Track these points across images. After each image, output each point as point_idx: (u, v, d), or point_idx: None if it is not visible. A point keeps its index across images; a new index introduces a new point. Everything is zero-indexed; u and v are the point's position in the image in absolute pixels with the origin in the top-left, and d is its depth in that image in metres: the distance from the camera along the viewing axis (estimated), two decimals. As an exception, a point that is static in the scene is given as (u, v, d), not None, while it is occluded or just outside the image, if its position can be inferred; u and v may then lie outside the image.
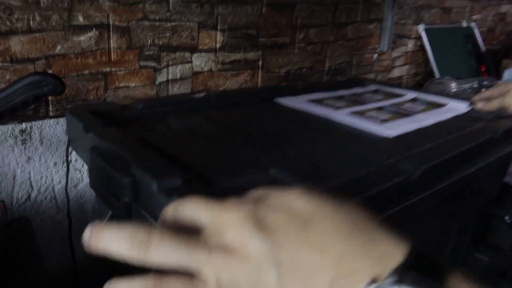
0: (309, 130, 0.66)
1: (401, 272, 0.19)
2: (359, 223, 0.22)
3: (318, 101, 0.81)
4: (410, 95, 0.93)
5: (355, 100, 0.85)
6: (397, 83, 1.42)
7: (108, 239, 0.22)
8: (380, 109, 0.80)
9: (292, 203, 0.23)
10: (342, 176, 0.45)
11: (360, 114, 0.74)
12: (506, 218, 0.97)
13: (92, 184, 0.48)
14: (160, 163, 0.41)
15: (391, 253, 0.21)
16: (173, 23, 0.82)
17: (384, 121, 0.70)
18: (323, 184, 0.43)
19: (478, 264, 0.96)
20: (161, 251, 0.22)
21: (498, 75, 1.78)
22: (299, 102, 0.79)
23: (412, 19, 1.38)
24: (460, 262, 0.90)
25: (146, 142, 0.51)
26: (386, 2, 1.22)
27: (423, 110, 0.81)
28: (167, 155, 0.48)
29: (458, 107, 0.83)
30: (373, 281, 0.19)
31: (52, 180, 0.74)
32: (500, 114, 0.76)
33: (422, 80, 1.50)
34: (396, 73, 1.41)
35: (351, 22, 1.17)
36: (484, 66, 1.60)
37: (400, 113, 0.78)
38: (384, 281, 0.19)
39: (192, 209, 0.25)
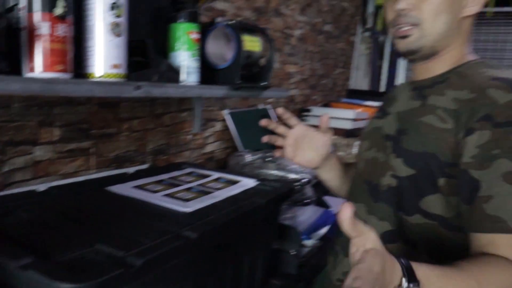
0: (129, 212, 0.88)
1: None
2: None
3: (141, 187, 1.05)
4: (215, 175, 1.24)
5: (172, 183, 1.12)
6: (210, 156, 1.77)
7: None
8: (188, 189, 1.07)
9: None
10: (145, 244, 0.70)
11: (171, 195, 1.00)
12: (291, 251, 1.33)
13: None
14: (11, 247, 0.61)
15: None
16: (16, 123, 1.00)
17: (188, 200, 0.96)
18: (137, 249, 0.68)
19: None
20: None
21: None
22: (125, 189, 1.02)
23: (218, 106, 1.77)
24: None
25: None
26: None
27: (222, 188, 1.11)
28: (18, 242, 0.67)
29: (248, 183, 1.17)
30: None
31: None
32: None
33: (231, 152, 1.87)
34: (209, 148, 1.76)
35: (167, 112, 1.48)
36: (276, 139, 2.07)
37: (203, 191, 1.05)
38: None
39: None
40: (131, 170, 1.26)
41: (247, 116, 1.96)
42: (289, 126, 0.98)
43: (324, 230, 1.48)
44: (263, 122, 0.92)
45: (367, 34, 3.44)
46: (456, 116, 0.71)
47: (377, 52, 3.45)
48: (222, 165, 1.81)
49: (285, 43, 2.27)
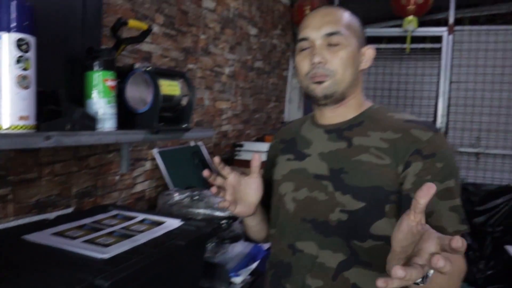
0: (44, 262, 0.87)
1: None
2: None
3: (60, 233, 1.04)
4: (141, 216, 1.24)
5: (94, 227, 1.11)
6: (141, 196, 1.76)
7: None
8: (110, 233, 1.07)
9: None
10: None
11: (91, 241, 1.00)
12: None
13: None
14: None
15: None
16: None
17: (108, 245, 0.96)
18: None
19: None
20: None
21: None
22: (42, 237, 1.00)
23: (147, 145, 1.79)
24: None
25: None
26: (121, 136, 1.58)
27: (146, 230, 1.11)
28: None
29: (172, 224, 1.18)
30: None
31: None
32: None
33: (162, 190, 1.88)
34: (138, 188, 1.76)
35: (93, 154, 1.47)
36: (209, 174, 2.11)
37: (125, 235, 1.05)
38: None
39: None
40: (52, 215, 1.24)
41: (177, 154, 1.98)
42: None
43: (254, 265, 1.52)
44: (205, 173, 0.93)
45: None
46: (390, 153, 0.86)
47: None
48: (153, 204, 1.81)
49: (216, 81, 2.34)
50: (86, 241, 1.00)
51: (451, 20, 3.39)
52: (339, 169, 0.90)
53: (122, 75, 1.13)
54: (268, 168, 1.09)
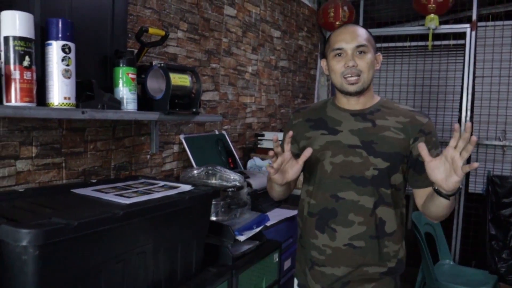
0: (84, 204, 1.23)
1: None
2: None
3: (98, 190, 1.40)
4: (162, 183, 1.58)
5: (124, 187, 1.46)
6: (170, 173, 2.12)
7: None
8: (135, 191, 1.40)
9: None
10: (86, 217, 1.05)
11: (120, 195, 1.34)
12: (227, 244, 1.66)
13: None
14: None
15: None
16: (2, 143, 1.37)
17: (130, 197, 1.30)
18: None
19: (208, 273, 1.59)
20: None
21: (245, 164, 2.65)
22: (86, 191, 1.36)
23: (174, 131, 2.14)
24: (195, 273, 1.53)
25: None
26: (151, 122, 1.95)
27: (162, 191, 1.45)
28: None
29: (185, 188, 1.51)
30: None
31: None
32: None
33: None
34: (167, 166, 2.12)
35: (127, 136, 1.85)
36: (231, 159, 2.44)
37: (146, 192, 1.38)
38: None
39: None
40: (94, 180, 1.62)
41: (202, 140, 2.33)
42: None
43: (258, 229, 1.82)
44: (274, 138, 1.20)
45: (326, 67, 3.87)
46: (404, 131, 1.29)
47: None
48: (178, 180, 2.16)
49: (239, 78, 2.67)
50: (116, 195, 1.35)
51: (474, 16, 3.52)
52: (369, 141, 1.29)
53: (144, 71, 1.48)
54: (295, 140, 1.41)
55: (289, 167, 1.24)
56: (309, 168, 1.38)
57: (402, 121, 1.31)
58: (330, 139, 1.33)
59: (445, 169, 1.07)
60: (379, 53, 1.36)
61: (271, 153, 1.20)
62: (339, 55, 1.30)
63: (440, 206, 1.18)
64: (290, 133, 1.26)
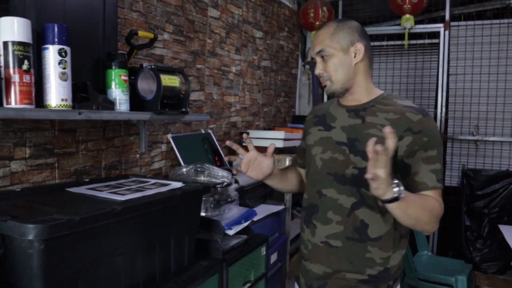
0: (81, 201, 1.28)
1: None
2: None
3: (92, 188, 1.44)
4: (153, 181, 1.64)
5: (117, 186, 1.50)
6: (158, 172, 2.18)
7: None
8: (128, 189, 1.46)
9: None
10: (86, 213, 1.11)
11: (114, 192, 1.39)
12: (217, 238, 1.72)
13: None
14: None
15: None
16: (-3, 145, 1.40)
17: (124, 194, 1.36)
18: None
19: (200, 267, 1.65)
20: None
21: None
22: (80, 190, 1.40)
23: (162, 131, 2.20)
24: (187, 266, 1.59)
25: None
26: (140, 122, 1.99)
27: (154, 188, 1.51)
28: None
29: (176, 185, 1.57)
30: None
31: None
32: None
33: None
34: (156, 165, 2.17)
35: (117, 136, 1.89)
36: (217, 157, 2.50)
37: (139, 190, 1.44)
38: None
39: None
40: (87, 180, 1.66)
41: (189, 139, 2.38)
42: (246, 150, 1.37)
43: (245, 224, 1.89)
44: (228, 143, 1.35)
45: (307, 67, 3.97)
46: None
47: (316, 82, 3.96)
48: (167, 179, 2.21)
49: (223, 78, 2.74)
50: (110, 192, 1.40)
51: (447, 16, 3.66)
52: (354, 138, 1.25)
53: (135, 73, 1.54)
54: (304, 136, 1.48)
55: (261, 163, 1.32)
56: (307, 163, 1.43)
57: (391, 118, 1.21)
58: (323, 135, 1.35)
59: None
60: (357, 43, 1.25)
61: (232, 158, 1.36)
62: (315, 62, 1.31)
63: (393, 213, 1.11)
64: (245, 135, 1.37)
